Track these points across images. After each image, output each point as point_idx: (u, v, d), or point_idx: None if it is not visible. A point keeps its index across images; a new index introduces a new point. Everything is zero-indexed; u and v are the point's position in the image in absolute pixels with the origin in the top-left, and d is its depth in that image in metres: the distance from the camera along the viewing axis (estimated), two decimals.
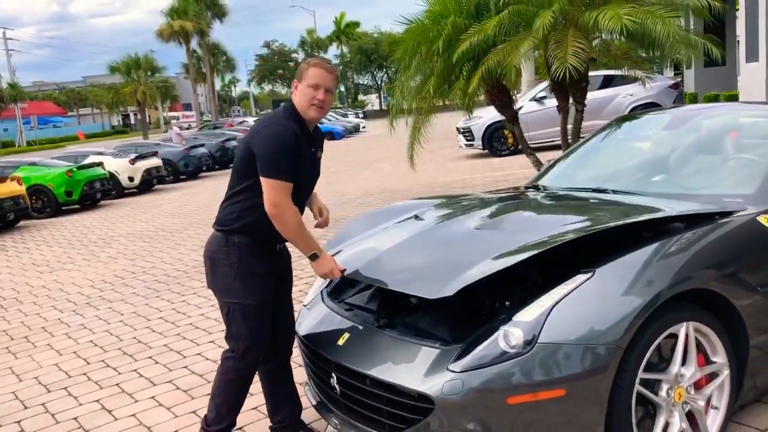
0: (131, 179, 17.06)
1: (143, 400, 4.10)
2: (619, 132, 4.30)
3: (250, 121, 44.99)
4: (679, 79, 17.08)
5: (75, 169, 14.72)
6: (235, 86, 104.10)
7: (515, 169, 12.83)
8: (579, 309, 2.48)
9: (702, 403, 2.70)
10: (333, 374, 2.92)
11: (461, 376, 2.44)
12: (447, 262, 2.94)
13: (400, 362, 2.66)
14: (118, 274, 7.73)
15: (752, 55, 13.23)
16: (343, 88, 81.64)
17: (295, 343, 3.38)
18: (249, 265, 2.96)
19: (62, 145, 51.73)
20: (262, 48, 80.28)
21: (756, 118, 3.79)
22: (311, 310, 3.41)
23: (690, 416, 2.68)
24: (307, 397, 3.36)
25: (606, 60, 8.53)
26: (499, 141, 16.03)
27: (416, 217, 3.72)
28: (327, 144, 25.03)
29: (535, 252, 2.64)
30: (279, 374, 3.26)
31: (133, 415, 3.91)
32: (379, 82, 75.05)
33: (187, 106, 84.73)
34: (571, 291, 2.50)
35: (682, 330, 2.59)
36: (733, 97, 15.04)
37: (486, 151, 16.24)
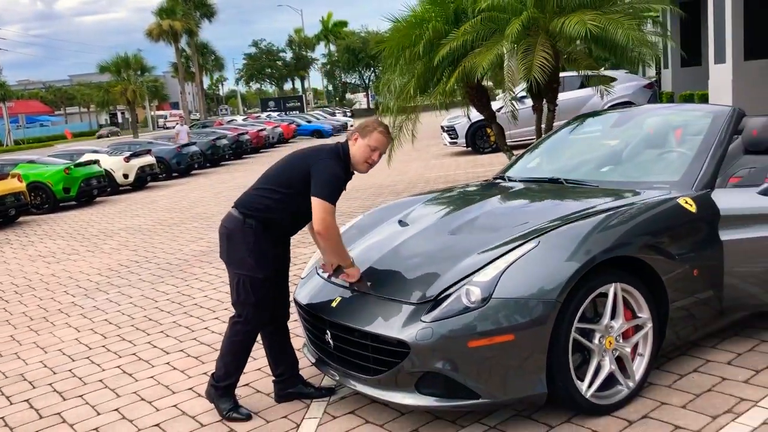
0: (126, 176, 17.55)
1: (159, 365, 4.67)
2: (574, 129, 4.92)
3: (239, 119, 45.45)
4: (653, 80, 17.78)
5: (72, 167, 15.19)
6: (222, 85, 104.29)
7: (495, 166, 13.44)
8: (526, 271, 3.08)
9: (628, 350, 3.30)
10: (327, 331, 3.52)
11: (431, 326, 3.04)
12: (437, 260, 3.46)
13: (382, 317, 3.26)
14: (123, 263, 8.28)
15: (720, 57, 13.93)
16: (330, 87, 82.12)
17: (295, 312, 3.97)
18: (261, 246, 3.50)
19: (50, 144, 51.89)
20: (250, 47, 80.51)
21: (686, 118, 4.42)
22: (307, 282, 4.00)
23: (619, 361, 3.29)
24: (306, 356, 3.93)
25: (572, 67, 9.16)
26: (481, 139, 16.66)
27: (400, 222, 4.20)
28: (316, 142, 25.58)
29: (505, 248, 3.22)
30: (277, 335, 3.79)
31: (152, 377, 4.47)
32: (366, 81, 75.53)
33: (175, 105, 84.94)
34: (520, 257, 3.12)
35: (611, 289, 3.20)
36: (705, 97, 15.75)
37: (469, 148, 16.88)
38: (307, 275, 4.12)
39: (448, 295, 3.11)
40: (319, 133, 36.86)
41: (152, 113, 76.03)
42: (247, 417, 3.61)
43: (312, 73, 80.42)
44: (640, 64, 15.86)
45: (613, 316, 3.23)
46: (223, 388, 3.65)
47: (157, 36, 49.30)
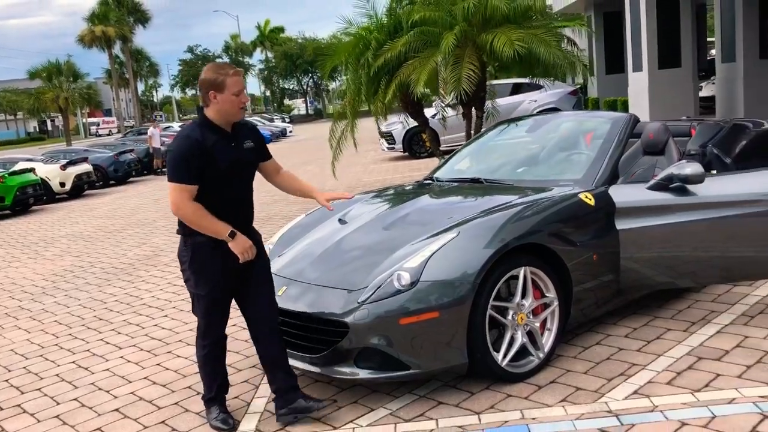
0: (62, 185, 17.39)
1: (114, 359, 4.95)
2: (495, 134, 5.46)
3: (176, 126, 44.93)
4: (578, 87, 18.74)
5: (7, 175, 15.01)
6: (156, 91, 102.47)
7: (431, 169, 14.02)
8: (448, 257, 3.56)
9: (538, 325, 3.81)
10: None
11: (367, 307, 3.48)
12: (372, 252, 3.88)
13: (324, 302, 3.68)
14: (67, 269, 8.42)
15: (637, 66, 14.90)
16: (268, 93, 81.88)
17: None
18: (201, 262, 3.40)
19: None
20: (185, 53, 79.46)
21: (591, 124, 5.00)
22: None
23: (530, 334, 3.79)
24: (254, 344, 4.28)
25: (504, 75, 9.80)
26: (418, 144, 17.25)
27: (340, 220, 4.60)
28: None
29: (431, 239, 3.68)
30: (266, 346, 3.61)
31: (107, 369, 4.75)
32: (305, 87, 75.71)
33: (108, 112, 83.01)
34: (443, 245, 3.59)
35: (521, 272, 3.70)
36: (627, 103, 16.75)
37: (406, 153, 17.44)
38: None
39: (382, 280, 3.55)
40: None
41: (84, 120, 74.14)
42: (230, 429, 3.57)
43: (249, 79, 79.86)
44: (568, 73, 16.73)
45: (523, 296, 3.73)
46: (206, 402, 3.69)
47: (89, 42, 48.31)
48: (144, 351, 5.04)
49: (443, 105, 15.96)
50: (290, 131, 44.71)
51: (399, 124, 16.50)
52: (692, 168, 3.99)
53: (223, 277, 3.43)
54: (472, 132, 9.36)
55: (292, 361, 3.82)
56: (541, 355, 3.81)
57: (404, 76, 8.23)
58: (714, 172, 4.83)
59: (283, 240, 4.66)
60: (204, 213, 3.30)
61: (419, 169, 14.75)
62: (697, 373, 3.60)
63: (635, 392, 3.47)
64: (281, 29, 75.78)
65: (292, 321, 3.79)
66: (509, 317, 3.69)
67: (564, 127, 5.11)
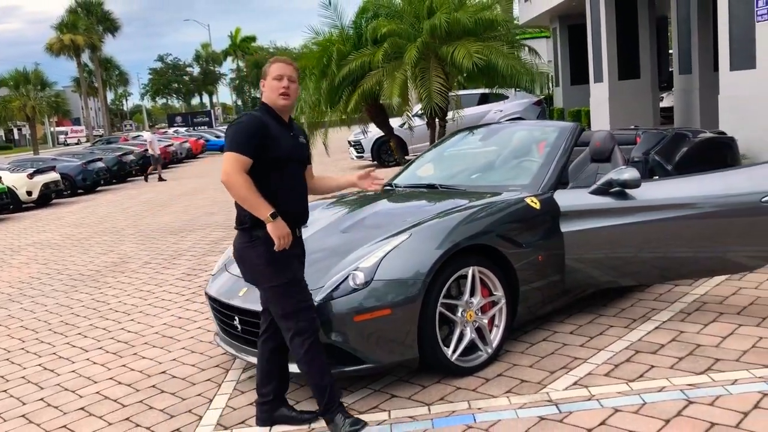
0: (29, 193, 17.29)
1: (80, 361, 5.06)
2: (451, 143, 5.70)
3: (145, 135, 44.60)
4: (542, 97, 19.18)
5: None
6: (126, 100, 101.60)
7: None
8: (401, 257, 3.76)
9: (486, 322, 4.03)
10: (236, 317, 4.08)
11: (324, 305, 3.66)
12: (330, 255, 4.06)
13: None
14: (34, 276, 8.46)
15: (598, 77, 15.34)
16: (239, 102, 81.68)
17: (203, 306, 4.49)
18: (273, 251, 3.31)
19: None
20: (155, 61, 79.02)
21: (541, 132, 5.27)
22: (217, 278, 4.54)
23: (479, 331, 4.01)
24: (220, 345, 4.44)
25: (471, 85, 10.10)
26: (386, 153, 17.47)
27: None
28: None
29: (385, 240, 3.89)
30: (276, 353, 3.59)
31: (73, 371, 4.87)
32: None
33: (77, 121, 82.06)
34: (396, 246, 3.80)
35: (470, 272, 3.91)
36: (588, 113, 17.21)
37: (375, 162, 17.66)
38: (216, 272, 4.66)
39: (339, 280, 3.75)
40: None
41: (52, 129, 73.21)
42: (363, 425, 3.41)
43: (221, 88, 79.65)
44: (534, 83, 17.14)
45: (472, 294, 3.95)
46: (330, 411, 3.43)
47: (57, 50, 47.84)
48: (110, 353, 5.15)
49: (410, 115, 16.30)
50: None
51: (369, 132, 16.71)
52: (630, 173, 4.25)
53: (296, 262, 3.45)
54: (436, 140, 9.62)
55: (251, 358, 4.00)
56: (490, 351, 4.03)
57: (368, 86, 8.46)
58: (656, 177, 5.13)
59: None
60: (252, 188, 3.25)
61: (387, 176, 14.95)
62: (633, 365, 3.85)
63: (575, 383, 3.70)
64: (253, 38, 75.85)
65: (253, 320, 3.96)
66: (459, 314, 3.91)
67: (516, 136, 5.37)
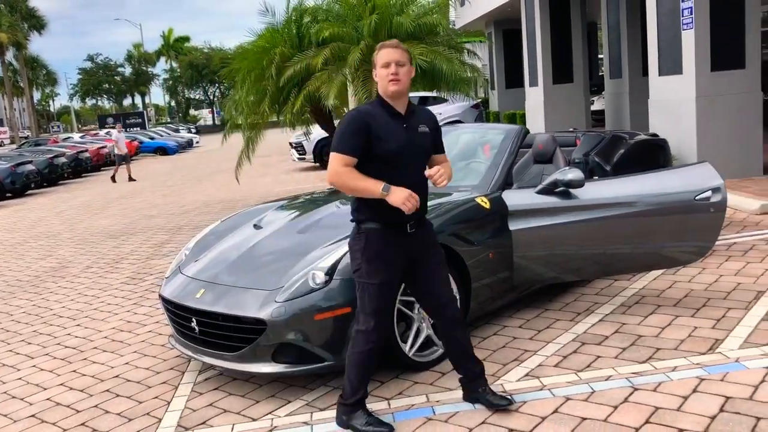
0: None
1: (25, 368, 4.93)
2: None
3: (76, 136, 43.24)
4: (479, 101, 19.59)
5: None
6: (53, 100, 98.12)
7: None
8: None
9: None
10: (194, 319, 4.08)
11: (284, 305, 3.72)
12: (287, 255, 4.13)
13: (242, 302, 3.89)
14: None
15: (533, 81, 15.79)
16: (173, 103, 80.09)
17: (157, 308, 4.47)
18: (374, 250, 3.30)
19: None
20: (85, 61, 76.61)
21: (488, 135, 5.44)
22: (172, 280, 4.52)
23: (434, 326, 4.13)
24: (175, 347, 4.42)
25: (411, 89, 10.22)
26: (329, 155, 17.48)
27: (255, 226, 4.86)
28: (160, 159, 25.21)
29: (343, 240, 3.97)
30: (450, 334, 3.54)
31: (20, 378, 4.75)
32: (211, 97, 74.52)
33: (0, 122, 78.70)
34: None
35: None
36: (523, 116, 17.69)
37: (317, 164, 17.67)
38: (170, 275, 4.64)
39: (298, 280, 3.81)
40: (163, 150, 36.15)
41: None
42: (390, 429, 3.36)
43: (154, 88, 77.86)
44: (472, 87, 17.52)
45: None
46: (351, 405, 3.41)
47: None
48: (58, 359, 5.05)
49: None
50: (197, 142, 44.00)
51: (310, 134, 16.68)
52: (573, 174, 4.46)
53: (394, 265, 3.34)
54: None
55: (209, 359, 4.01)
56: None
57: (313, 88, 8.51)
58: (596, 178, 5.38)
59: (198, 246, 4.83)
60: (355, 174, 3.20)
61: None
62: (580, 356, 4.05)
63: (527, 374, 3.87)
64: (186, 39, 74.44)
65: (210, 321, 3.97)
66: (415, 311, 4.02)
67: (462, 138, 5.53)
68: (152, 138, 38.99)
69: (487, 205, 4.49)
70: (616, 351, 4.05)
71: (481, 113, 18.41)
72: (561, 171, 4.53)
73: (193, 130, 53.39)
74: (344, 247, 3.88)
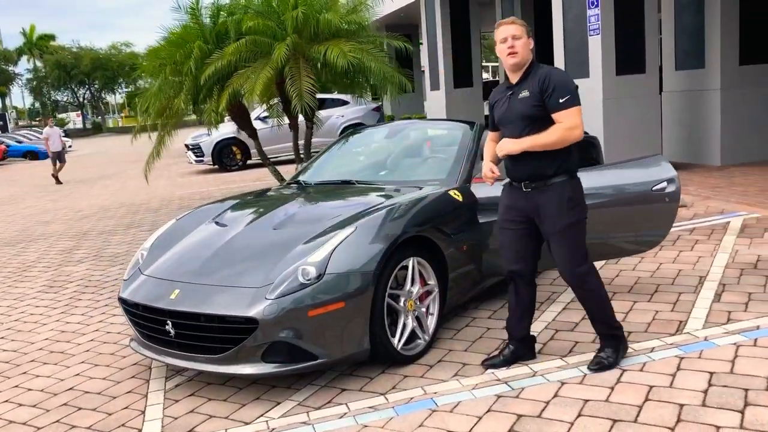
0: None
1: None
2: (353, 140, 5.76)
3: (45, 130, 39.26)
4: (380, 104, 19.78)
5: None
6: None
7: (248, 182, 13.99)
8: (349, 251, 3.76)
9: (424, 310, 4.15)
10: (168, 321, 3.82)
11: (276, 302, 3.56)
12: (268, 251, 3.97)
13: (227, 301, 3.69)
14: None
15: (435, 85, 16.18)
16: (38, 105, 75.02)
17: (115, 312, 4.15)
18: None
19: None
20: None
21: (447, 130, 5.51)
22: (134, 282, 4.22)
23: (418, 319, 4.12)
24: (139, 352, 4.12)
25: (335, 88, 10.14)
26: (228, 157, 17.04)
27: (217, 223, 4.64)
28: (34, 164, 23.32)
29: (330, 235, 3.86)
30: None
31: None
32: (81, 99, 70.39)
33: None
34: (343, 239, 3.79)
35: (410, 262, 4.01)
36: (423, 118, 18.06)
37: (216, 166, 17.13)
38: (129, 276, 4.33)
39: (288, 275, 3.66)
40: (34, 155, 33.80)
41: None
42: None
43: (15, 89, 72.43)
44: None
45: (412, 284, 4.05)
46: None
47: None
48: None
49: (259, 117, 15.98)
50: (70, 146, 41.33)
51: (208, 136, 16.18)
52: None
53: (508, 215, 3.83)
54: (301, 143, 9.59)
55: (185, 363, 3.79)
56: (427, 338, 4.15)
57: (237, 85, 8.24)
58: None
59: (157, 246, 4.53)
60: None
61: (234, 181, 14.62)
62: (559, 342, 4.17)
63: (515, 362, 3.93)
64: (52, 37, 69.71)
65: (189, 323, 3.74)
66: (401, 304, 3.99)
67: (419, 134, 5.56)
68: (20, 142, 36.31)
69: (460, 198, 4.53)
70: (590, 336, 4.20)
71: (382, 116, 18.58)
72: None
73: (63, 134, 50.09)
74: (334, 241, 3.81)
